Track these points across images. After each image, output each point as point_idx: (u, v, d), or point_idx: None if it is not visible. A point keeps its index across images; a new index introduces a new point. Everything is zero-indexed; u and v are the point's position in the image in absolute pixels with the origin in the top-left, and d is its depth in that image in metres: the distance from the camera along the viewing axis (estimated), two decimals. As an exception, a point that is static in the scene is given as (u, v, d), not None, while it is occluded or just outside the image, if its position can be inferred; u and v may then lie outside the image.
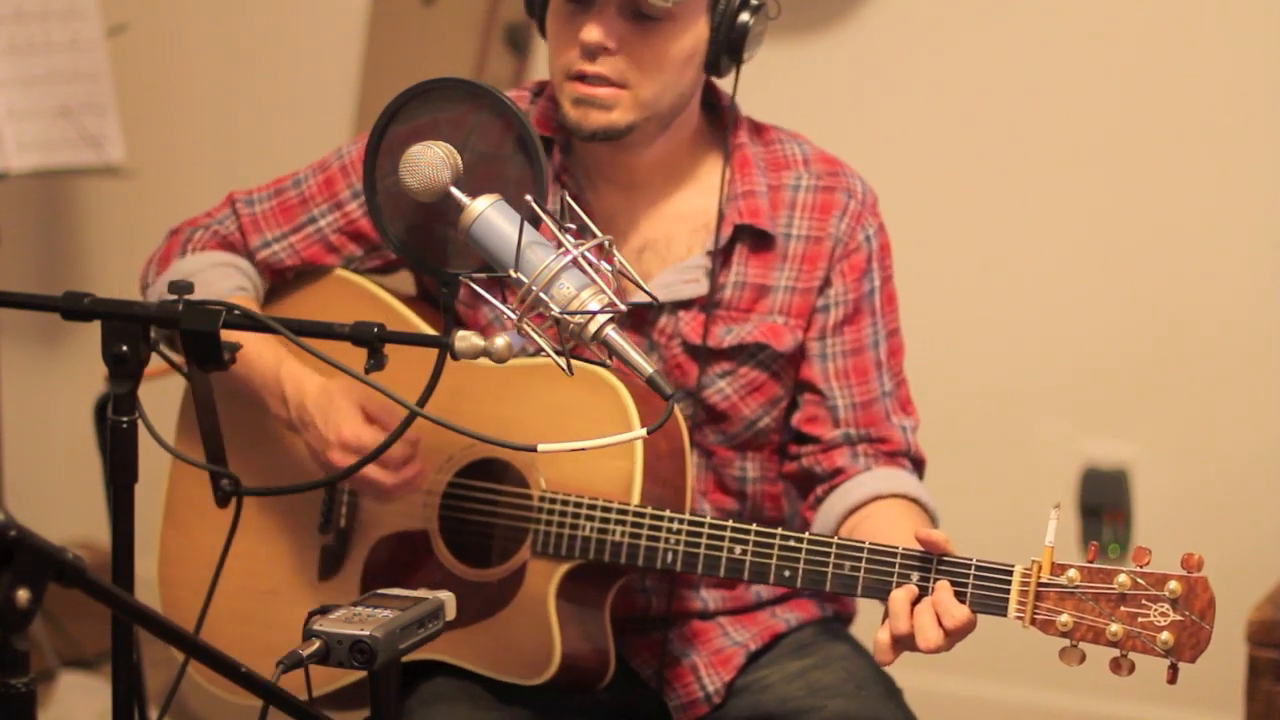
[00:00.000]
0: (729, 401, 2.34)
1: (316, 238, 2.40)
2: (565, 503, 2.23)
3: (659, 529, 2.19)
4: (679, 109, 2.28)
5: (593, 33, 2.20)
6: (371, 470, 2.25)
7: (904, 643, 2.04)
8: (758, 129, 2.40)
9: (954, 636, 2.02)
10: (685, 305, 2.33)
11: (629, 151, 2.30)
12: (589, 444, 2.16)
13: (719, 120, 2.38)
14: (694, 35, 2.24)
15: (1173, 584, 1.94)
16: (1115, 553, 3.54)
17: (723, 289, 2.33)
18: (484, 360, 2.26)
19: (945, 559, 2.04)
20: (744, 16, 2.25)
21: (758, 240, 2.33)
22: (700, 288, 2.32)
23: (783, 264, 2.33)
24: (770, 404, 2.36)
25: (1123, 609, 1.96)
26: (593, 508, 2.21)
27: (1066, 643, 1.98)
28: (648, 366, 1.89)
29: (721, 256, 2.32)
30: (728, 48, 2.26)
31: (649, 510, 2.20)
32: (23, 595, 1.41)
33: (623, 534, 2.20)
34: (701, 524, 2.18)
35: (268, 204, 2.41)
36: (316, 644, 1.72)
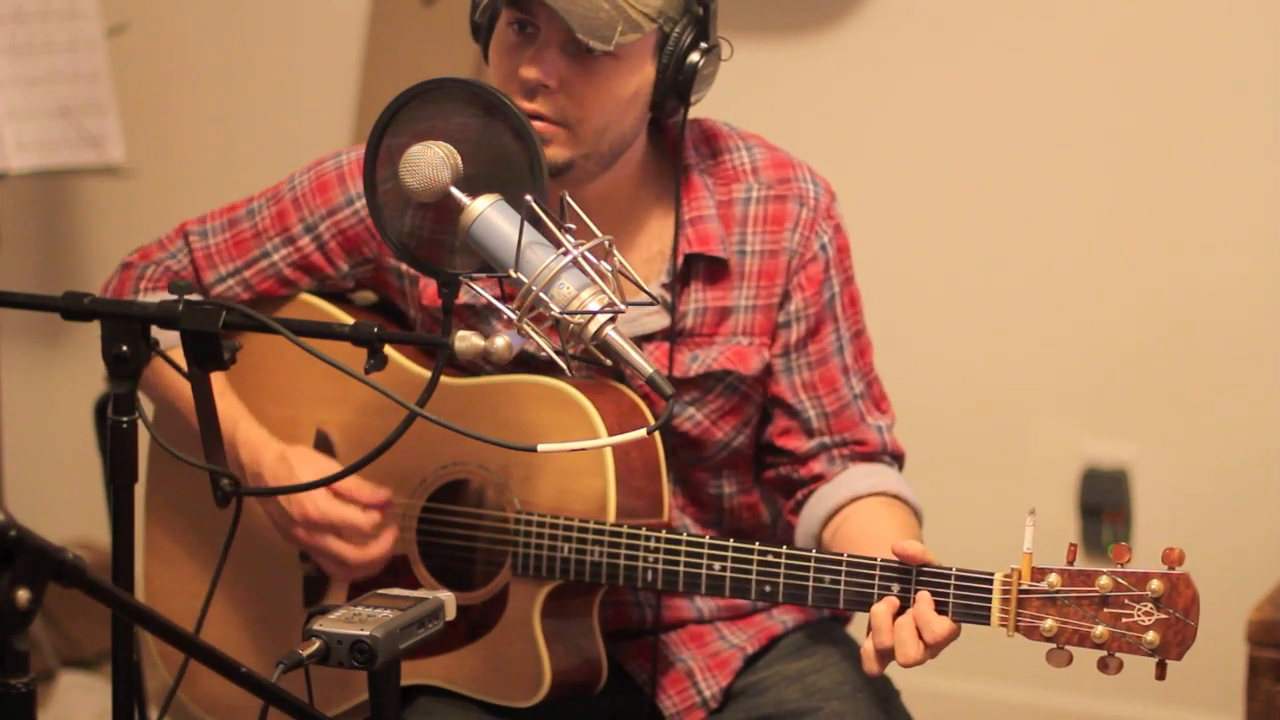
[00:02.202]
0: (701, 428, 2.32)
1: (270, 272, 2.36)
2: (541, 523, 2.21)
3: (636, 547, 2.17)
4: (620, 149, 2.20)
5: (531, 71, 2.12)
6: (334, 544, 2.25)
7: (887, 655, 2.04)
8: (707, 137, 2.33)
9: (935, 648, 2.02)
10: (649, 337, 2.29)
11: (571, 188, 2.18)
12: (591, 444, 2.16)
13: (667, 143, 2.31)
14: (639, 76, 2.16)
15: (1154, 583, 1.93)
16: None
17: (685, 317, 2.29)
18: (442, 378, 2.27)
19: (925, 569, 2.04)
20: (693, 58, 2.16)
21: (712, 265, 2.28)
22: (662, 319, 2.28)
23: (740, 283, 2.29)
24: (743, 424, 2.34)
25: (1106, 610, 1.95)
26: (569, 528, 2.19)
27: (1053, 646, 1.98)
28: (648, 366, 1.88)
29: (679, 284, 2.28)
30: (675, 89, 2.18)
31: (625, 529, 2.18)
32: (23, 595, 1.41)
33: (601, 553, 2.18)
34: (679, 541, 2.16)
35: (221, 237, 2.37)
36: (316, 644, 1.72)
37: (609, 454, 2.19)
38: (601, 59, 2.13)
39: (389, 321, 2.40)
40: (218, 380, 2.29)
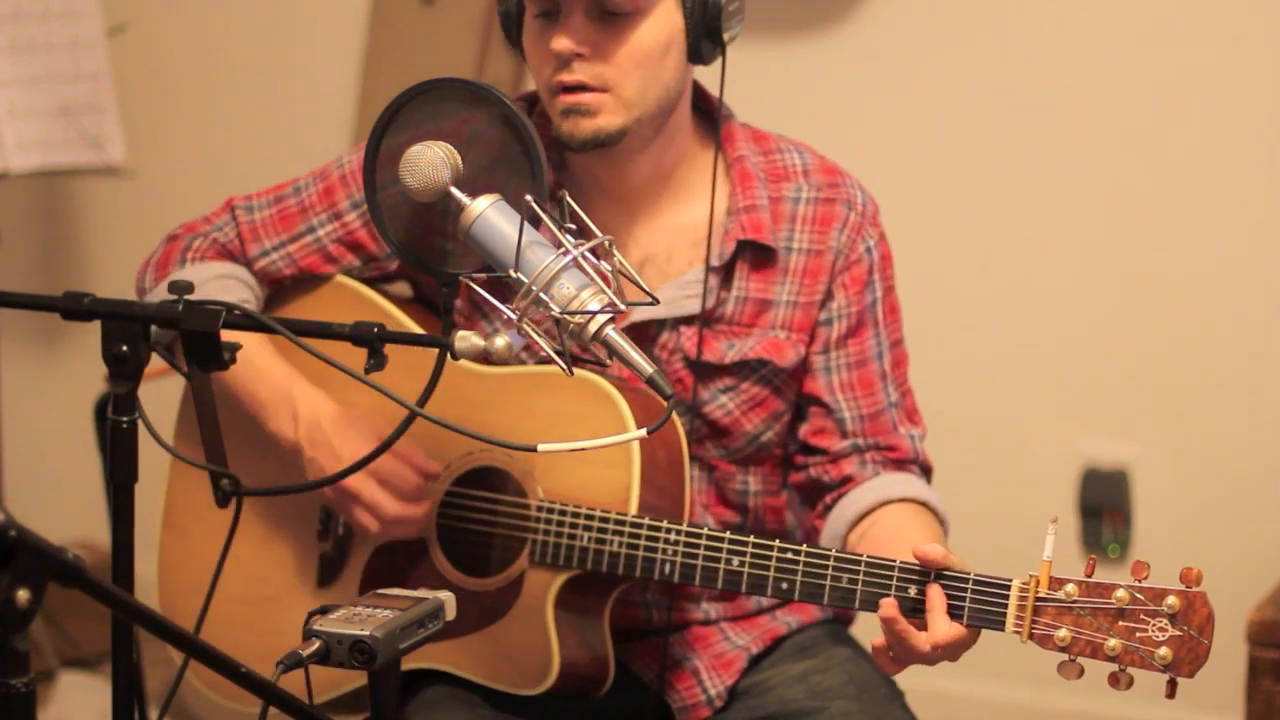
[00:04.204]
0: (731, 417, 2.33)
1: (315, 247, 2.38)
2: (563, 512, 2.22)
3: (656, 539, 2.18)
4: (667, 106, 2.24)
5: (561, 42, 2.17)
6: (375, 493, 2.25)
7: (896, 643, 2.03)
8: (757, 137, 2.36)
9: (946, 649, 2.02)
10: (687, 321, 2.31)
11: (623, 162, 2.26)
12: (589, 444, 2.15)
13: (713, 127, 2.35)
14: (667, 25, 2.20)
15: (1171, 599, 1.94)
16: (1115, 553, 3.54)
17: (725, 304, 2.31)
18: (473, 366, 2.27)
19: (943, 573, 2.04)
20: None
21: (760, 255, 2.31)
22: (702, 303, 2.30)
23: (784, 278, 2.32)
24: (773, 418, 2.35)
25: (1121, 624, 1.95)
26: (590, 517, 2.21)
27: (1064, 657, 1.98)
28: (648, 366, 1.88)
29: (723, 271, 2.30)
30: (706, 30, 2.21)
31: (646, 520, 2.19)
32: (23, 595, 1.41)
33: (620, 544, 2.19)
34: (699, 535, 2.17)
35: (267, 211, 2.39)
36: (316, 644, 1.72)
37: (637, 448, 2.21)
38: (626, 16, 2.18)
39: (424, 311, 2.41)
40: (265, 344, 2.31)
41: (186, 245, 2.40)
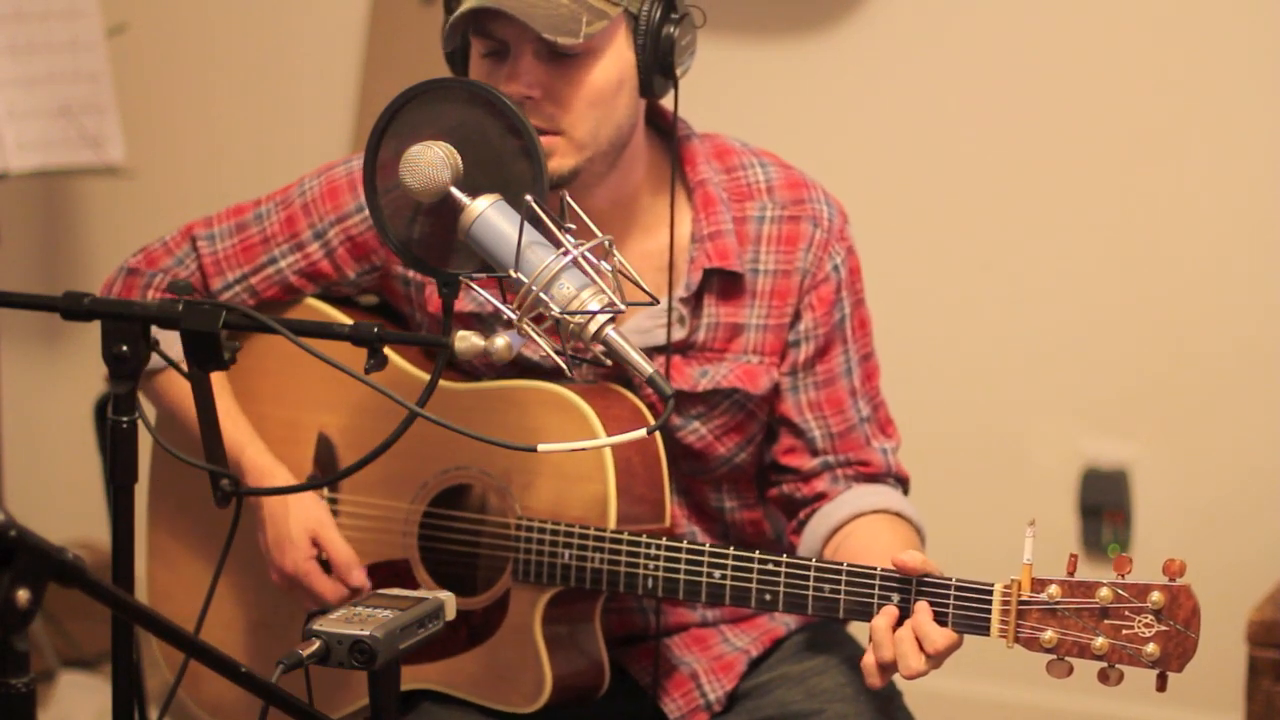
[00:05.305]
0: (704, 441, 2.31)
1: (277, 279, 2.35)
2: (543, 530, 2.21)
3: (637, 555, 2.17)
4: (620, 142, 2.19)
5: (512, 86, 2.11)
6: (302, 596, 2.28)
7: (889, 669, 2.04)
8: (719, 153, 2.32)
9: (937, 659, 2.02)
10: (660, 349, 2.28)
11: (579, 196, 2.17)
12: (590, 444, 2.16)
13: (674, 150, 2.30)
14: (619, 63, 2.15)
15: (1155, 594, 1.93)
16: (1115, 553, 3.53)
17: (697, 331, 2.28)
18: (441, 382, 2.27)
19: (925, 579, 2.04)
20: (667, 30, 2.15)
21: (727, 280, 2.28)
22: (675, 332, 2.27)
23: (753, 301, 2.29)
24: (746, 442, 2.34)
25: (1106, 622, 1.95)
26: (570, 534, 2.19)
27: (1053, 657, 1.97)
28: (647, 366, 1.88)
29: (693, 300, 2.27)
30: (658, 67, 2.17)
31: (625, 536, 2.18)
32: (23, 595, 1.41)
33: (601, 560, 2.18)
34: (679, 549, 2.16)
35: (229, 242, 2.36)
36: (316, 644, 1.72)
37: (610, 460, 2.19)
38: (577, 57, 2.13)
39: (391, 324, 2.39)
40: (226, 402, 2.30)
41: (147, 283, 2.37)
